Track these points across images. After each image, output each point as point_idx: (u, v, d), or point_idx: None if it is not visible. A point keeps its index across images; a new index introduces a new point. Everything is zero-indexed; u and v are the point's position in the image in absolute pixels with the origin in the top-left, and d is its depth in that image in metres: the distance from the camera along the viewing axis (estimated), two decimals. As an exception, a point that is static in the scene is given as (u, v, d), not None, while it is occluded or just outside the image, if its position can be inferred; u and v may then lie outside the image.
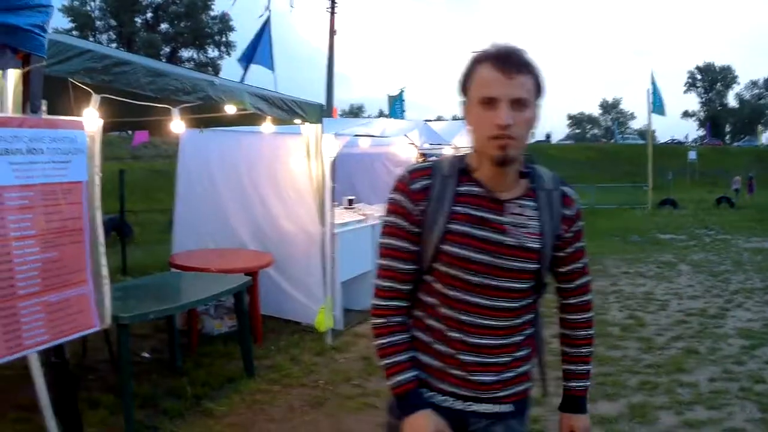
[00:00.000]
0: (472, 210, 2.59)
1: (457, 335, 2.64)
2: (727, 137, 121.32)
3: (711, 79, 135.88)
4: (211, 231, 10.10)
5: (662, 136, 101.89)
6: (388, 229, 2.69)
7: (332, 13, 44.11)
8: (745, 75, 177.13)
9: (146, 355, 8.14)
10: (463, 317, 2.62)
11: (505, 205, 2.60)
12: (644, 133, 59.69)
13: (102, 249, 5.11)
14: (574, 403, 2.92)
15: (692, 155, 58.06)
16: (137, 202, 19.68)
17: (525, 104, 2.44)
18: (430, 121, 13.73)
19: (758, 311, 11.17)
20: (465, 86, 2.55)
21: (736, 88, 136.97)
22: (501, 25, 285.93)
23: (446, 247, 2.58)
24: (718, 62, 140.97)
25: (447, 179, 2.62)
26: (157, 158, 35.55)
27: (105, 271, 5.14)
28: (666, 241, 21.36)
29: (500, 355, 2.68)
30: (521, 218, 2.61)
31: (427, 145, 12.68)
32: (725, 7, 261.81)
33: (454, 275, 2.61)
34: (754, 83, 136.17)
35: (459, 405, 2.70)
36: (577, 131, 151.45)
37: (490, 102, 2.43)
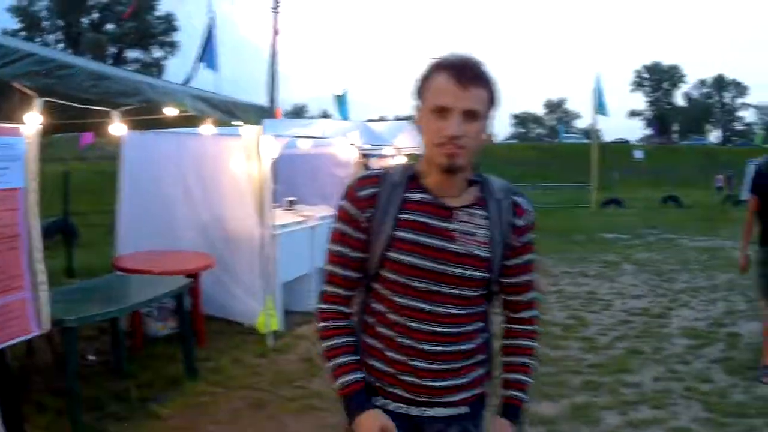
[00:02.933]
0: (419, 217, 2.64)
1: (407, 342, 2.68)
2: (675, 136, 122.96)
3: (658, 78, 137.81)
4: (155, 232, 10.09)
5: (609, 136, 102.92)
6: (336, 236, 2.75)
7: (276, 13, 43.92)
8: (694, 74, 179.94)
9: (92, 357, 8.13)
10: (412, 324, 2.66)
11: (454, 213, 2.65)
12: (589, 133, 60.29)
13: (40, 255, 5.09)
14: (511, 410, 2.91)
15: (638, 154, 58.66)
16: (84, 203, 19.51)
17: (477, 116, 2.52)
18: (373, 121, 13.78)
19: (703, 310, 11.31)
20: (420, 91, 2.61)
21: (684, 87, 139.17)
22: (446, 23, 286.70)
23: (392, 254, 2.64)
24: (666, 61, 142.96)
25: (395, 187, 2.68)
26: (103, 159, 35.17)
27: (43, 276, 5.13)
28: (610, 240, 21.55)
29: (451, 361, 2.71)
30: (470, 226, 2.65)
31: (367, 146, 12.71)
32: (674, 7, 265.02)
33: (400, 282, 2.66)
34: (702, 82, 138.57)
35: (414, 411, 2.74)
36: (522, 130, 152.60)
37: (442, 111, 2.49)
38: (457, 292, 2.66)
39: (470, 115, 2.49)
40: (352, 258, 2.72)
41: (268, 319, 8.83)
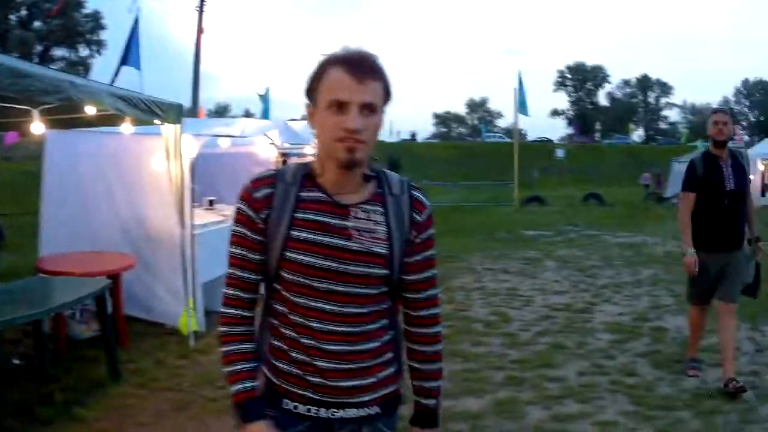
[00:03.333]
0: (314, 216, 2.61)
1: (311, 342, 2.63)
2: (597, 135, 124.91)
3: (581, 78, 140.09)
4: (78, 233, 10.01)
5: (532, 135, 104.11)
6: (234, 239, 2.73)
7: (201, 12, 43.63)
8: (618, 74, 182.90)
9: (16, 361, 8.05)
10: (314, 324, 2.62)
11: (350, 210, 2.63)
12: (511, 132, 60.85)
13: None
14: (427, 418, 2.93)
15: (559, 153, 59.42)
16: (9, 204, 19.32)
17: (374, 109, 2.52)
18: (294, 120, 13.82)
19: (627, 305, 11.35)
20: (312, 89, 2.59)
21: (608, 87, 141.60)
22: (366, 22, 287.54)
23: (289, 254, 2.61)
24: (590, 62, 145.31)
25: (290, 186, 2.66)
26: (28, 159, 34.71)
27: None
28: (532, 237, 21.59)
29: (358, 361, 2.67)
30: (367, 223, 2.64)
31: (287, 145, 12.69)
32: (599, 8, 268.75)
33: (299, 282, 2.63)
34: (626, 82, 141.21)
35: (323, 413, 2.70)
36: (443, 130, 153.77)
37: (340, 106, 2.48)
38: (358, 290, 2.63)
39: (368, 109, 2.49)
40: (252, 260, 2.70)
41: (189, 320, 8.80)
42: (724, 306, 7.23)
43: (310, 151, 13.54)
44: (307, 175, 2.67)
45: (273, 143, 12.43)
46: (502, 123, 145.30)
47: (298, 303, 2.63)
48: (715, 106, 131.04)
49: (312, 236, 2.58)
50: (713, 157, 7.32)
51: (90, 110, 7.07)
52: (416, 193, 2.73)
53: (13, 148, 30.80)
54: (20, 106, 6.63)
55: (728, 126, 7.15)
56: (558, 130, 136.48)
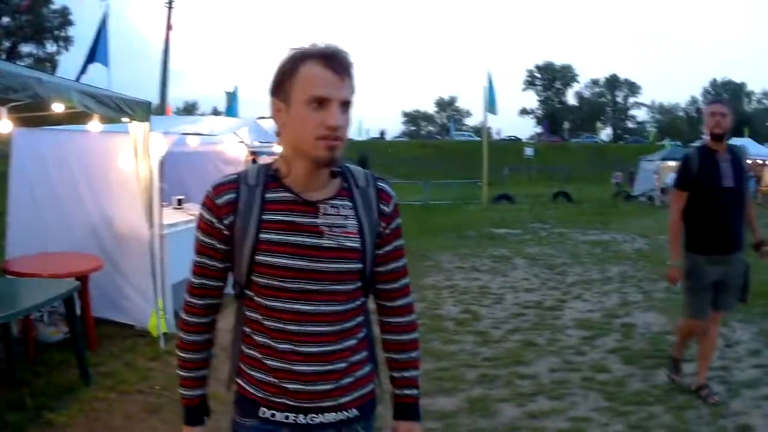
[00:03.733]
0: (283, 216, 2.56)
1: (287, 347, 2.58)
2: (566, 134, 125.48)
3: (551, 78, 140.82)
4: (45, 233, 9.81)
5: (501, 134, 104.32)
6: (198, 247, 2.68)
7: (170, 8, 43.42)
8: (587, 74, 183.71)
9: None
10: (290, 327, 2.57)
11: (319, 207, 2.58)
12: (480, 130, 60.92)
13: None
14: (408, 410, 2.88)
15: (528, 151, 59.56)
16: None
17: (349, 106, 2.50)
18: (263, 118, 13.73)
19: (597, 302, 11.40)
20: (283, 85, 2.51)
21: (576, 87, 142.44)
22: (337, 17, 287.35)
23: (261, 258, 2.54)
24: (559, 61, 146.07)
25: (253, 189, 2.60)
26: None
27: None
28: (501, 235, 21.66)
29: (335, 361, 2.62)
30: (337, 218, 2.59)
31: (257, 143, 12.61)
32: (569, 7, 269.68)
33: (272, 285, 2.56)
34: (595, 82, 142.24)
35: (302, 419, 2.64)
36: (413, 128, 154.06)
37: (320, 102, 2.43)
38: (334, 287, 2.58)
39: (345, 106, 2.47)
40: (214, 268, 2.67)
41: (159, 321, 8.74)
42: (715, 315, 6.86)
43: (279, 149, 13.59)
44: (271, 176, 2.63)
45: (242, 141, 12.35)
46: (471, 122, 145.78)
47: (272, 307, 2.58)
48: (683, 105, 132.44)
49: (282, 237, 2.53)
50: (710, 152, 6.66)
51: (58, 108, 6.93)
52: (381, 185, 2.72)
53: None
54: None
55: (727, 118, 6.49)
56: (527, 129, 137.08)
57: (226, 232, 2.58)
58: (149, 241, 8.86)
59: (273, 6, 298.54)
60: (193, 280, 2.71)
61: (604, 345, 8.76)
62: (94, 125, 8.36)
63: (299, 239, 2.53)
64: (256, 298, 2.60)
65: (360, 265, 2.61)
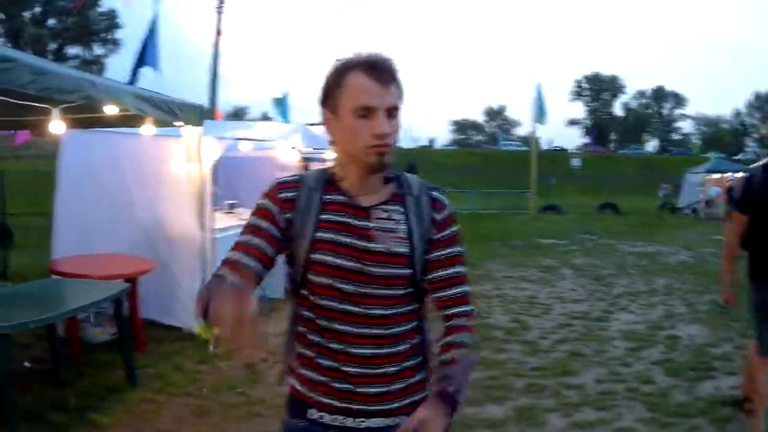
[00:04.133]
0: (338, 217, 2.60)
1: (338, 346, 2.61)
2: (612, 145, 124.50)
3: (598, 88, 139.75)
4: (93, 235, 9.81)
5: (548, 144, 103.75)
6: (249, 228, 2.67)
7: (219, 13, 43.67)
8: (633, 85, 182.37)
9: (28, 365, 7.87)
10: (341, 327, 2.59)
11: (370, 211, 2.61)
12: (528, 140, 60.66)
13: None
14: (443, 397, 2.62)
15: (576, 162, 59.29)
16: (19, 204, 19.13)
17: (396, 112, 2.53)
18: (314, 124, 13.77)
19: (642, 314, 11.42)
20: (331, 96, 2.56)
21: (623, 98, 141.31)
22: (387, 27, 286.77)
23: (316, 256, 2.58)
24: (607, 72, 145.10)
25: (312, 191, 2.65)
26: (39, 158, 34.52)
27: None
28: (549, 245, 21.68)
29: (386, 365, 2.63)
30: (388, 223, 2.61)
31: (309, 150, 12.66)
32: (617, 18, 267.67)
33: (325, 284, 2.59)
34: (641, 93, 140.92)
35: (350, 422, 2.64)
36: (461, 137, 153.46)
37: (367, 111, 2.47)
38: (383, 291, 2.60)
39: (393, 112, 2.51)
40: (256, 246, 2.61)
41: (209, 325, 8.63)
42: None
43: (331, 156, 13.65)
44: (327, 180, 2.67)
45: (295, 147, 12.35)
46: (519, 131, 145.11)
47: (323, 306, 2.60)
48: (727, 117, 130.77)
49: (337, 237, 2.56)
50: None
51: (111, 110, 6.92)
52: (435, 193, 2.70)
53: (24, 146, 30.64)
54: (38, 105, 6.55)
55: None
56: (573, 139, 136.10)
57: (282, 223, 2.62)
58: (200, 244, 8.90)
59: (323, 13, 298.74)
60: (228, 256, 2.62)
61: (649, 356, 8.79)
62: (147, 128, 8.37)
63: (351, 241, 2.56)
64: (310, 297, 2.63)
65: (409, 271, 2.61)
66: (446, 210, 2.72)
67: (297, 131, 12.57)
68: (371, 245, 2.57)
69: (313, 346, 2.66)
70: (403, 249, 2.60)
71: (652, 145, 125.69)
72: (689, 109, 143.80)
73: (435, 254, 2.68)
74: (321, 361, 2.64)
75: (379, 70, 2.48)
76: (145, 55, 18.65)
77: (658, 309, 11.81)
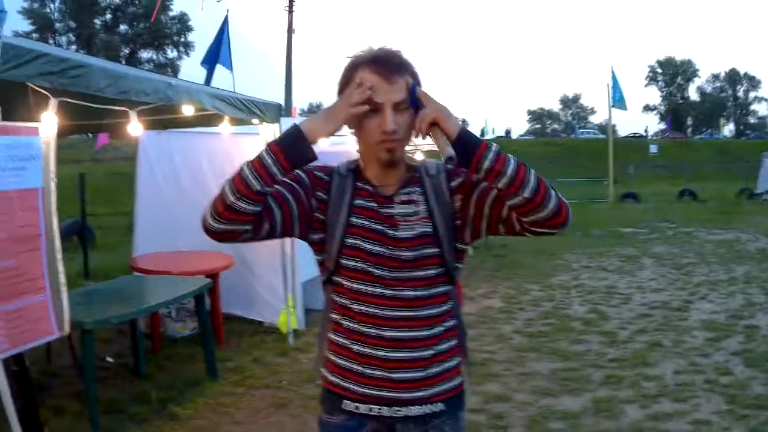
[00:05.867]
0: (368, 203, 2.65)
1: (373, 331, 2.62)
2: (689, 130, 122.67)
3: (672, 73, 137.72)
4: (174, 233, 9.94)
5: (624, 131, 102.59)
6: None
7: (290, 12, 44.03)
8: (707, 69, 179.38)
9: (110, 359, 8.08)
10: (376, 311, 2.61)
11: (394, 198, 2.65)
12: (604, 128, 60.00)
13: (59, 256, 5.09)
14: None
15: (653, 149, 58.41)
16: (99, 204, 19.47)
17: (406, 105, 2.52)
18: None
19: (722, 303, 11.24)
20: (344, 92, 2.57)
21: (697, 82, 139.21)
22: (459, 19, 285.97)
23: (350, 241, 2.62)
24: (679, 56, 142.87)
25: (345, 178, 2.71)
26: (118, 160, 35.13)
27: (62, 278, 5.13)
28: (628, 234, 21.40)
29: (421, 348, 2.63)
30: (410, 206, 2.64)
31: None
32: (687, 1, 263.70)
33: (359, 268, 2.62)
34: (715, 76, 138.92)
35: (386, 411, 2.65)
36: (537, 126, 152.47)
37: (373, 108, 2.49)
38: (414, 273, 2.61)
39: (400, 106, 2.50)
40: (279, 191, 2.56)
41: (288, 318, 8.80)
42: None
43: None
44: (355, 169, 2.72)
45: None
46: (594, 119, 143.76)
47: (359, 290, 2.62)
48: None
49: (368, 223, 2.61)
50: None
51: (188, 110, 6.97)
52: (450, 166, 2.51)
53: (103, 150, 31.04)
54: (116, 108, 6.64)
55: None
56: (649, 125, 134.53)
57: (312, 198, 2.65)
58: (280, 239, 8.93)
59: (391, 8, 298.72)
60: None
61: (728, 347, 8.67)
62: (225, 127, 8.44)
63: (380, 227, 2.61)
64: (345, 283, 2.65)
65: (437, 250, 2.62)
66: (461, 174, 2.69)
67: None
68: (397, 233, 2.61)
69: (348, 333, 2.68)
70: (426, 229, 2.62)
71: (728, 129, 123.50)
72: (764, 92, 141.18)
73: (479, 206, 2.64)
74: (355, 347, 2.66)
75: (383, 65, 2.50)
76: (218, 56, 18.81)
77: (738, 298, 11.61)
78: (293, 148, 2.46)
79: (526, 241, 17.45)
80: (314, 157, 2.51)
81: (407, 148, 2.67)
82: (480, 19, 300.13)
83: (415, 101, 2.51)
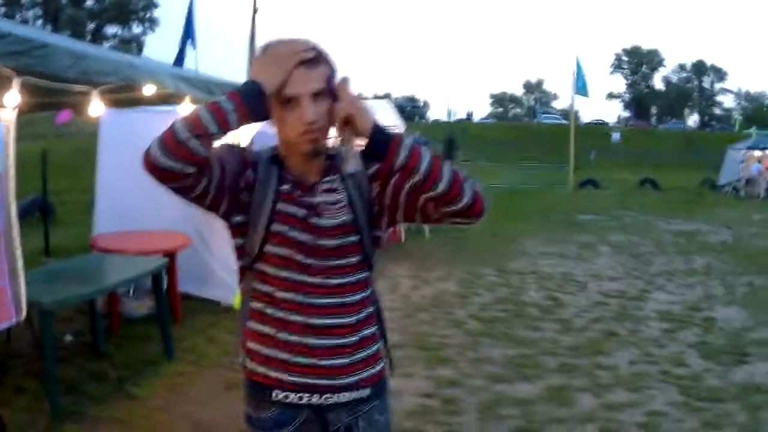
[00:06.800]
0: (292, 192, 2.65)
1: (299, 318, 2.63)
2: (653, 119, 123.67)
3: (637, 62, 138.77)
4: (133, 212, 9.91)
5: (587, 117, 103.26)
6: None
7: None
8: (673, 59, 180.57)
9: (69, 338, 8.01)
10: (301, 298, 2.63)
11: (315, 187, 2.67)
12: (567, 113, 60.33)
13: (17, 242, 5.03)
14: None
15: (616, 136, 58.94)
16: (61, 180, 19.33)
17: (324, 94, 2.51)
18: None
19: (679, 294, 11.35)
20: None
21: (663, 71, 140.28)
22: (425, 4, 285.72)
23: (276, 227, 2.62)
24: (646, 45, 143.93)
25: (269, 164, 2.68)
26: (80, 135, 34.75)
27: (20, 263, 5.06)
28: (586, 221, 21.57)
29: (346, 335, 2.67)
30: (332, 195, 2.67)
31: None
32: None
33: (284, 255, 2.63)
34: (681, 67, 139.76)
35: (316, 399, 2.67)
36: (499, 110, 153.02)
37: (291, 100, 2.49)
38: (338, 262, 2.64)
39: (318, 95, 2.50)
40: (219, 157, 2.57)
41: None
42: None
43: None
44: (277, 157, 2.70)
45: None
46: (558, 104, 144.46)
47: (283, 277, 2.64)
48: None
49: (293, 211, 2.62)
50: None
51: (149, 90, 6.83)
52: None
53: (65, 125, 30.82)
54: (78, 86, 6.63)
55: None
56: (613, 113, 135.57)
57: (240, 180, 2.62)
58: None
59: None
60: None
61: (684, 339, 8.73)
62: (186, 106, 8.34)
63: (305, 215, 2.62)
64: (269, 270, 2.66)
65: (358, 237, 2.67)
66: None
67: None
68: (322, 221, 2.62)
69: (273, 321, 2.67)
70: (347, 217, 2.65)
71: (693, 120, 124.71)
72: (730, 84, 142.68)
73: (392, 183, 2.66)
74: (281, 335, 2.65)
75: (297, 56, 2.48)
76: (187, 34, 18.69)
77: (696, 290, 11.71)
78: (253, 100, 2.42)
79: (484, 226, 17.59)
80: (269, 115, 2.52)
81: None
82: (441, 3, 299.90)
83: (332, 91, 2.52)
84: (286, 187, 2.64)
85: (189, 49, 18.70)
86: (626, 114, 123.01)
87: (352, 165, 2.51)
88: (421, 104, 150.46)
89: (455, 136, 58.44)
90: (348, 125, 2.47)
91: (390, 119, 14.12)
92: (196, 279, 9.58)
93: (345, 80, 2.53)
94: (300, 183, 2.65)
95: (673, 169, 49.07)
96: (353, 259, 2.67)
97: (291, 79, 2.46)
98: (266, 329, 2.68)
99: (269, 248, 2.63)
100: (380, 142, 2.45)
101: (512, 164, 42.20)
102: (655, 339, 8.71)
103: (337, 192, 2.66)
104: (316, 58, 2.50)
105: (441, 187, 2.44)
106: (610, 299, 10.86)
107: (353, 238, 2.66)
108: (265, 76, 2.46)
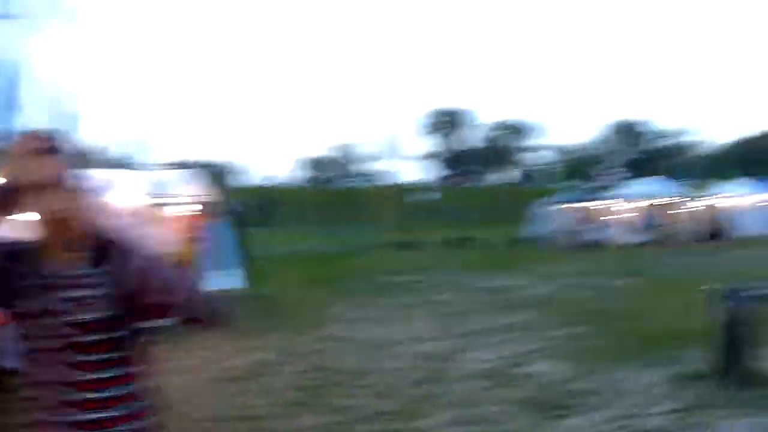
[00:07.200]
0: (39, 288, 2.54)
1: (57, 395, 2.55)
2: (471, 176, 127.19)
3: (454, 122, 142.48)
4: None
5: (404, 178, 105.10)
6: None
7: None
8: (488, 118, 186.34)
9: None
10: (55, 376, 2.55)
11: (70, 281, 2.56)
12: (380, 175, 61.36)
13: None
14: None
15: (432, 196, 59.95)
16: None
17: (61, 184, 2.47)
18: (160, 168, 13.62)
19: (494, 351, 11.32)
20: None
21: (482, 130, 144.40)
22: (239, 67, 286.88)
23: (29, 321, 2.55)
24: (461, 105, 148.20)
25: (14, 257, 2.58)
26: None
27: None
28: (401, 282, 21.61)
29: (108, 409, 2.57)
30: (86, 291, 2.56)
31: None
32: (470, 52, 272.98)
33: (38, 347, 2.56)
34: (499, 125, 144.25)
35: None
36: (313, 174, 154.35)
37: (31, 191, 2.46)
38: (91, 358, 2.57)
39: (54, 187, 2.44)
40: None
41: None
42: None
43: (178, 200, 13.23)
44: (27, 248, 2.59)
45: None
46: (372, 167, 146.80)
47: (33, 356, 2.58)
48: (587, 147, 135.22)
49: (41, 306, 2.51)
50: None
51: None
52: (130, 245, 2.66)
53: None
54: None
55: None
56: (430, 172, 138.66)
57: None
58: None
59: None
60: None
61: (504, 395, 8.65)
62: None
63: (53, 309, 2.51)
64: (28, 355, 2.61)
65: (110, 334, 2.59)
66: (136, 255, 2.66)
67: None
68: (73, 317, 2.52)
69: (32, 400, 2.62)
70: (101, 314, 2.57)
71: (513, 176, 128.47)
72: (547, 140, 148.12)
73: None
74: (43, 416, 2.57)
75: (39, 146, 2.46)
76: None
77: (516, 345, 11.72)
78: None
79: (300, 292, 17.88)
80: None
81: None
82: (261, 65, 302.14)
83: (70, 178, 2.49)
84: (30, 283, 2.53)
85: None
86: (444, 173, 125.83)
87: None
88: (226, 169, 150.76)
89: (264, 203, 58.47)
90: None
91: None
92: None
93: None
94: (54, 276, 2.54)
95: (492, 226, 50.18)
96: (94, 338, 2.58)
97: (23, 171, 2.44)
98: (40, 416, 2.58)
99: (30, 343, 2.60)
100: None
101: (321, 228, 42.23)
102: (475, 398, 8.60)
103: (94, 287, 2.56)
104: (46, 149, 2.45)
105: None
106: (428, 361, 10.74)
107: (107, 336, 2.60)
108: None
